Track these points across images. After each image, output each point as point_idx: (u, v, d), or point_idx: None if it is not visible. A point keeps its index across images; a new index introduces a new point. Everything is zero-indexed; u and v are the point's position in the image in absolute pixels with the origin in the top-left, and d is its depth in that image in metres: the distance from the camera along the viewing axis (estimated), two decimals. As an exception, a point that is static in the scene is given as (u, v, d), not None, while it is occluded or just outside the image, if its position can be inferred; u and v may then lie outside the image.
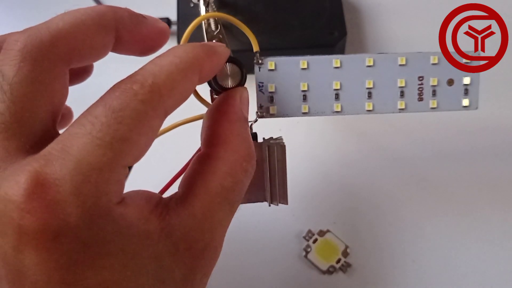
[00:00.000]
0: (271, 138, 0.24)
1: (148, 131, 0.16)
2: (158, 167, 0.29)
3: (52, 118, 0.17)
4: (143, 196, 0.17)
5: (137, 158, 0.16)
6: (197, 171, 0.19)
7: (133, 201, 0.17)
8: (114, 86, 0.17)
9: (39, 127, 0.17)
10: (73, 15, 0.17)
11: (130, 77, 0.17)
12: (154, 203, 0.17)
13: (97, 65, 0.23)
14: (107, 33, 0.18)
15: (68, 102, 0.23)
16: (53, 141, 0.15)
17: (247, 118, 0.21)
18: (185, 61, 0.18)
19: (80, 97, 0.20)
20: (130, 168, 0.29)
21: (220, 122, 0.20)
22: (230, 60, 0.22)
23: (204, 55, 0.19)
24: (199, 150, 0.22)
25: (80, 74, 0.23)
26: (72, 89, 0.21)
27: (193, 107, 0.24)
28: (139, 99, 0.16)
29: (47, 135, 0.17)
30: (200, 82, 0.19)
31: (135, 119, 0.16)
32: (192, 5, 0.32)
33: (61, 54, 0.17)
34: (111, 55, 0.20)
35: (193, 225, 0.17)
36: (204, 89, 0.23)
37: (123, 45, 0.19)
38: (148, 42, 0.20)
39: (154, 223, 0.17)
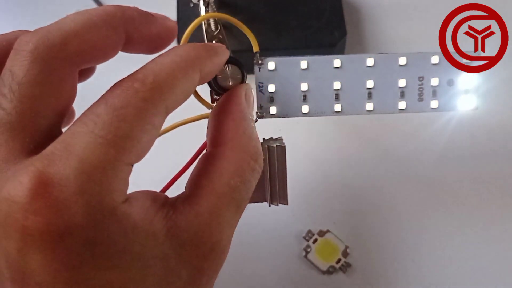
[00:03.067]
0: (271, 138, 0.24)
1: (150, 129, 0.16)
2: (159, 167, 0.29)
3: (59, 118, 0.17)
4: (149, 196, 0.17)
5: (140, 156, 0.16)
6: (203, 171, 0.19)
7: (138, 201, 0.16)
8: (115, 84, 0.17)
9: (45, 127, 0.17)
10: (84, 16, 0.17)
11: (131, 75, 0.17)
12: (160, 203, 0.17)
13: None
14: (117, 34, 0.18)
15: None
16: (55, 141, 0.15)
17: (252, 116, 0.21)
18: (185, 60, 0.18)
19: (82, 96, 0.19)
20: (132, 168, 0.29)
21: (225, 121, 0.20)
22: (230, 60, 0.22)
23: (205, 54, 0.19)
24: (202, 147, 0.22)
25: (85, 73, 0.23)
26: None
27: (193, 108, 0.24)
28: (140, 97, 0.16)
29: (53, 136, 0.16)
30: (201, 82, 0.19)
31: (137, 116, 0.16)
32: (192, 5, 0.32)
33: (72, 55, 0.17)
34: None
35: (200, 225, 0.17)
36: (204, 90, 0.23)
37: (132, 45, 0.19)
38: (157, 40, 0.20)
39: (160, 224, 0.16)
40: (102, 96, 0.16)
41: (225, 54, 0.21)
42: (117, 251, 0.15)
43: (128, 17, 0.18)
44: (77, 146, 0.15)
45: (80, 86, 0.23)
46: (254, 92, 0.24)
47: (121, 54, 0.20)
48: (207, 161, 0.19)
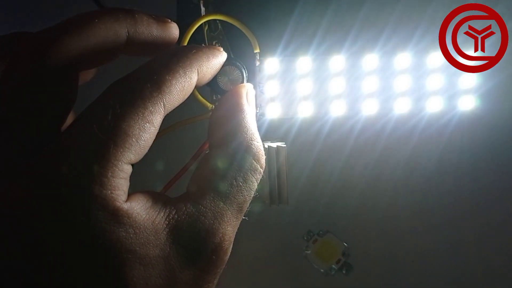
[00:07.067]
0: (271, 138, 0.24)
1: (149, 127, 0.16)
2: (159, 167, 0.29)
3: (59, 120, 0.17)
4: (150, 196, 0.17)
5: (139, 155, 0.16)
6: (205, 171, 0.19)
7: (140, 201, 0.16)
8: (112, 84, 0.17)
9: (45, 129, 0.17)
10: (86, 18, 0.17)
11: (129, 74, 0.17)
12: (162, 203, 0.17)
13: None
14: (118, 37, 0.18)
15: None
16: (54, 142, 0.15)
17: (254, 116, 0.21)
18: (183, 60, 0.18)
19: (84, 96, 0.19)
20: (131, 167, 0.29)
21: (227, 121, 0.20)
22: (230, 62, 0.22)
23: (203, 55, 0.19)
24: (202, 147, 0.22)
25: (86, 74, 0.23)
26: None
27: (193, 108, 0.24)
28: (138, 96, 0.16)
29: (52, 137, 0.16)
30: (199, 83, 0.19)
31: (135, 115, 0.16)
32: (192, 5, 0.32)
33: (72, 57, 0.17)
34: None
35: (203, 226, 0.17)
36: (204, 90, 0.23)
37: (133, 48, 0.19)
38: (158, 42, 0.20)
39: (161, 224, 0.16)
40: (99, 95, 0.16)
41: (223, 56, 0.21)
42: (119, 251, 0.15)
43: (130, 20, 0.18)
44: (75, 147, 0.15)
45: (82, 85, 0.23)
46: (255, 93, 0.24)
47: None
48: (209, 161, 0.19)
